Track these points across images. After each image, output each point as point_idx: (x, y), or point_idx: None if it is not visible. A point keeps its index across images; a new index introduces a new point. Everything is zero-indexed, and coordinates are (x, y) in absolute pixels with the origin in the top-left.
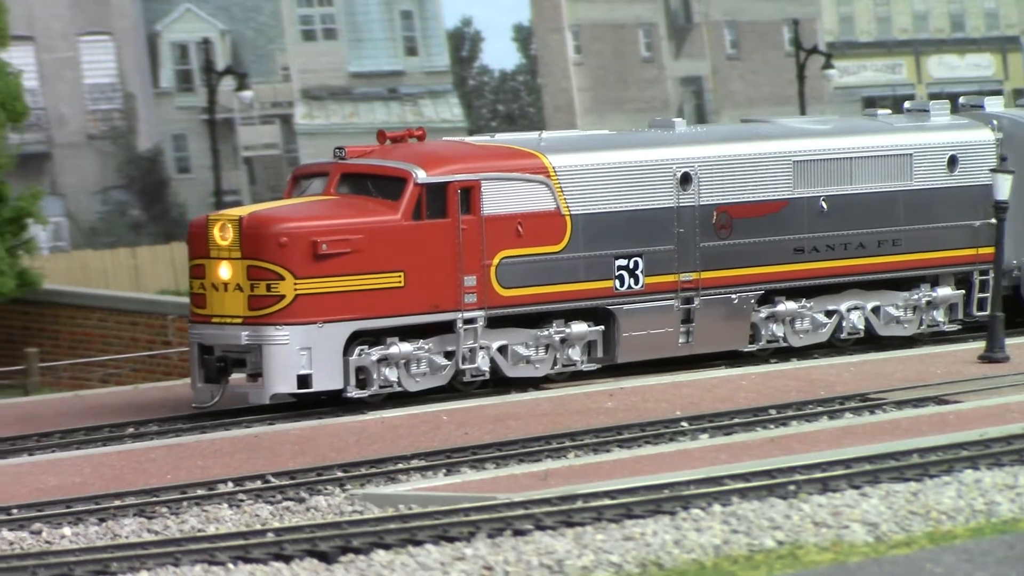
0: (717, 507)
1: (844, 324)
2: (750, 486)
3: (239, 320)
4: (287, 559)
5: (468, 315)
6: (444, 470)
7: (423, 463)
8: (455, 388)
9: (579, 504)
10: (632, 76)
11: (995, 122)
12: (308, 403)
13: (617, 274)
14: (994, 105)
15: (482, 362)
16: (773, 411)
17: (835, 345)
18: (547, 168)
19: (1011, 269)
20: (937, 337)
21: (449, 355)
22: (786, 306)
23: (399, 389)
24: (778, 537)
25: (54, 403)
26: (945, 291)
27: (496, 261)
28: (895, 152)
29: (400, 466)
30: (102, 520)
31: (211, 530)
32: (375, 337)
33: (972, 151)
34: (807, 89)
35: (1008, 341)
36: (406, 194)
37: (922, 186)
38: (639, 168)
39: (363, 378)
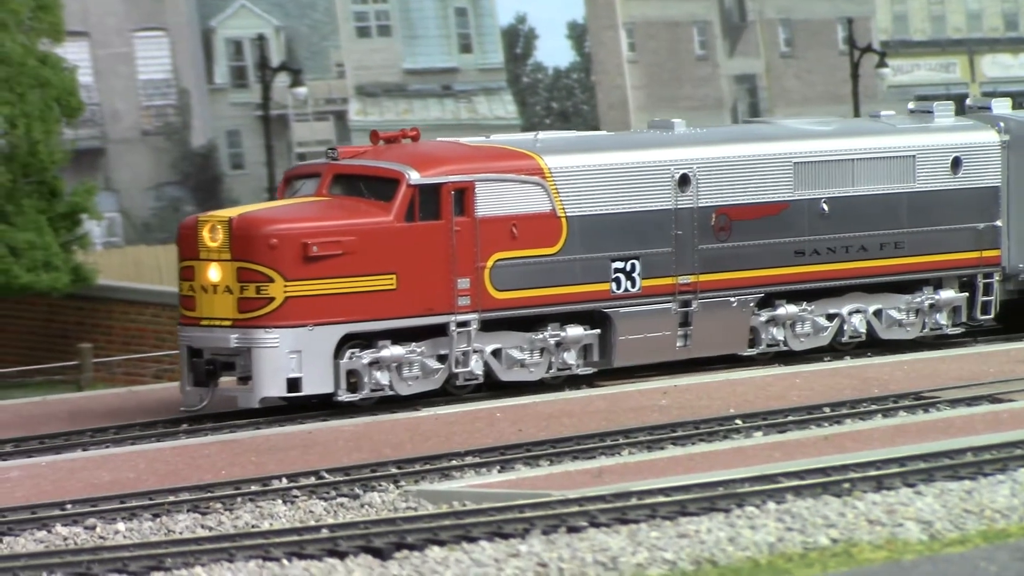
0: (771, 505)
1: (845, 327)
2: (804, 484)
3: (228, 323)
4: (341, 555)
5: (461, 318)
6: (498, 467)
7: (477, 460)
8: (448, 392)
9: (633, 501)
10: (686, 74)
11: (1002, 124)
12: (298, 407)
13: (613, 277)
14: (1002, 106)
15: (475, 366)
16: (827, 409)
17: (836, 349)
18: (542, 169)
19: (1018, 272)
20: (941, 341)
21: (442, 358)
22: (786, 309)
23: (391, 393)
24: (832, 535)
25: (107, 398)
26: (949, 294)
27: (490, 263)
28: (898, 154)
29: (454, 463)
30: (156, 516)
31: (265, 526)
32: (367, 340)
33: (976, 153)
34: (861, 88)
35: None
36: (399, 195)
37: (925, 188)
38: (636, 169)
39: (354, 381)
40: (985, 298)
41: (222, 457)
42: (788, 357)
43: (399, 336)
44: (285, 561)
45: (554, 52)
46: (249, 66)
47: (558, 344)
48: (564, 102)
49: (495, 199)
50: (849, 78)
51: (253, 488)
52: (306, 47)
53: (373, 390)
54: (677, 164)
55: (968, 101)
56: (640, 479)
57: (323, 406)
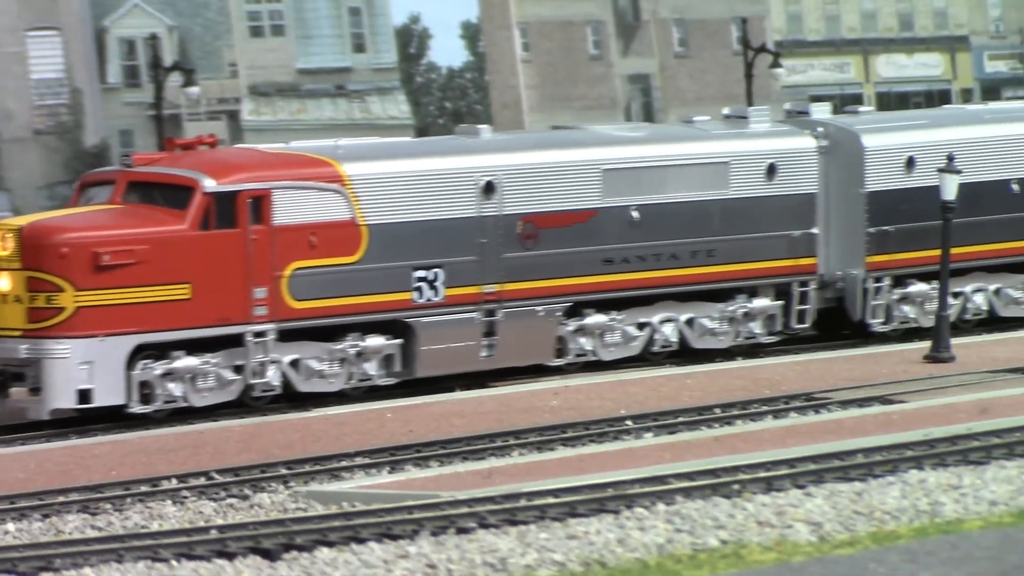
0: (661, 506)
1: (657, 337)
2: (694, 485)
3: (18, 333)
4: (230, 556)
5: (258, 328)
6: (388, 468)
7: (367, 460)
8: (244, 404)
9: (523, 502)
10: (580, 74)
11: (820, 129)
12: (91, 418)
13: (416, 286)
14: (821, 111)
15: (273, 376)
16: (718, 410)
17: (647, 359)
18: (342, 176)
19: (835, 280)
20: (756, 350)
21: (239, 369)
22: (595, 319)
23: (185, 404)
24: (722, 536)
25: None
26: (763, 302)
27: (288, 272)
28: (711, 160)
29: (344, 463)
30: (46, 516)
31: (155, 527)
32: (161, 350)
33: (793, 159)
34: (755, 88)
35: (954, 341)
36: (193, 203)
37: (739, 195)
38: (440, 176)
39: (148, 393)
40: (801, 306)
41: (112, 457)
42: (596, 367)
43: (196, 346)
44: (174, 562)
45: (448, 52)
46: (142, 65)
47: (359, 354)
48: (458, 102)
49: (293, 207)
50: (743, 78)
51: (143, 489)
52: (199, 46)
53: (166, 401)
54: (482, 171)
55: (786, 106)
56: (530, 480)
57: (119, 417)
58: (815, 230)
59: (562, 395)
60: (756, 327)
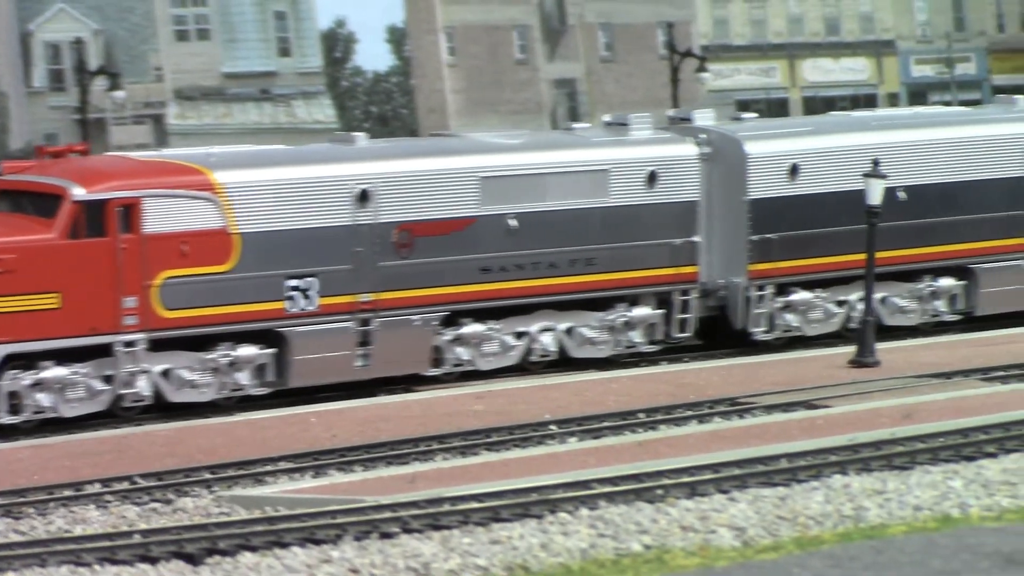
0: (584, 511)
1: (535, 346)
2: (618, 490)
3: None
4: (153, 560)
5: (128, 338)
6: (312, 472)
7: (291, 465)
8: (115, 414)
9: (446, 507)
10: (506, 78)
11: (702, 136)
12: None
13: (289, 295)
14: (704, 118)
15: (144, 387)
16: (643, 415)
17: (526, 369)
18: (213, 185)
19: (717, 288)
20: (636, 359)
21: (109, 379)
22: (472, 328)
23: (54, 415)
24: (645, 541)
25: None
26: (644, 311)
27: (158, 281)
28: (591, 168)
29: (268, 468)
30: None
31: (78, 531)
32: (31, 361)
33: (674, 166)
34: (681, 92)
35: (879, 346)
36: (62, 212)
37: (619, 203)
38: (314, 184)
39: (17, 403)
40: (683, 315)
41: (35, 462)
42: (474, 376)
43: (65, 356)
44: (97, 566)
45: (373, 56)
46: (67, 69)
47: (231, 364)
48: (383, 106)
49: (164, 215)
50: (669, 82)
51: (66, 493)
52: (125, 50)
53: (35, 412)
54: (356, 179)
55: (669, 112)
56: (454, 485)
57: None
58: (697, 238)
59: (486, 400)
60: (636, 336)
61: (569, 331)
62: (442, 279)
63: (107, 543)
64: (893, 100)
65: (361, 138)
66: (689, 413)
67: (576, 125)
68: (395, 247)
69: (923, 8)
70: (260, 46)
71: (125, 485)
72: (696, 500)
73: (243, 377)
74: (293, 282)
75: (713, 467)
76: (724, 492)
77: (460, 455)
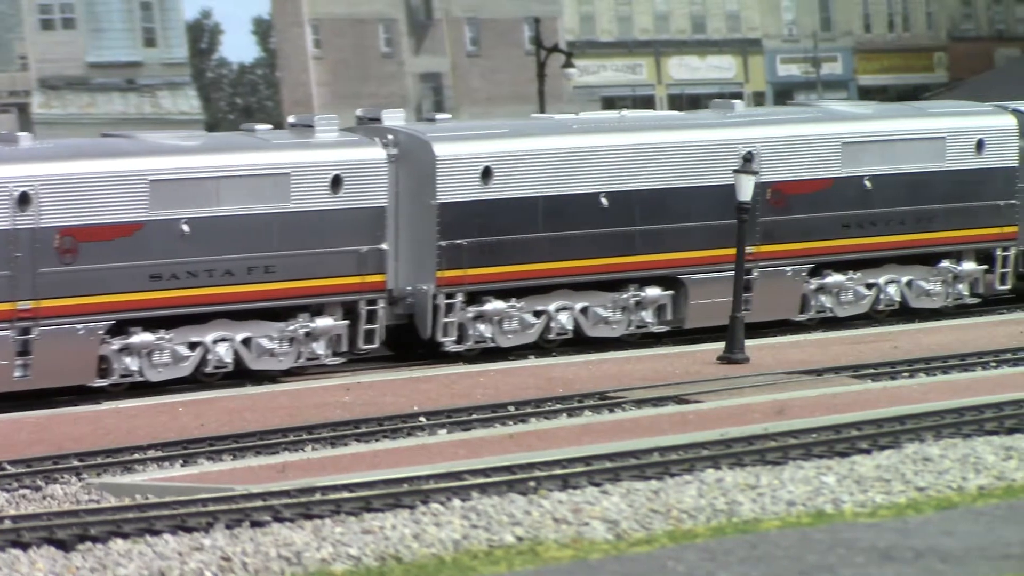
0: (457, 502)
1: (210, 357)
2: (490, 482)
3: None
4: (24, 546)
5: None
6: (181, 461)
7: (160, 453)
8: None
9: (318, 497)
10: (371, 71)
11: (390, 138)
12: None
13: None
14: (394, 119)
15: None
16: (512, 408)
17: (199, 380)
18: None
19: (405, 296)
20: (319, 370)
21: None
22: (141, 338)
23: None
24: (518, 533)
25: None
26: (327, 321)
27: None
28: (269, 171)
29: (137, 456)
30: None
31: None
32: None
33: (361, 170)
34: (547, 88)
35: (748, 343)
36: None
37: (301, 208)
38: None
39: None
40: (369, 325)
41: None
42: (144, 388)
43: None
44: None
45: (239, 47)
46: None
47: None
48: (248, 98)
49: None
50: (536, 78)
51: None
52: None
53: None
54: (16, 181)
55: (358, 112)
56: (324, 475)
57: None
58: (384, 245)
59: (354, 391)
60: (320, 348)
61: (246, 341)
62: (108, 287)
63: None
64: (759, 99)
65: (25, 138)
66: (559, 407)
67: (259, 127)
68: (57, 253)
69: (790, 7)
70: (126, 36)
71: None
72: (569, 493)
73: None
74: None
75: (585, 460)
76: (597, 485)
77: (330, 445)
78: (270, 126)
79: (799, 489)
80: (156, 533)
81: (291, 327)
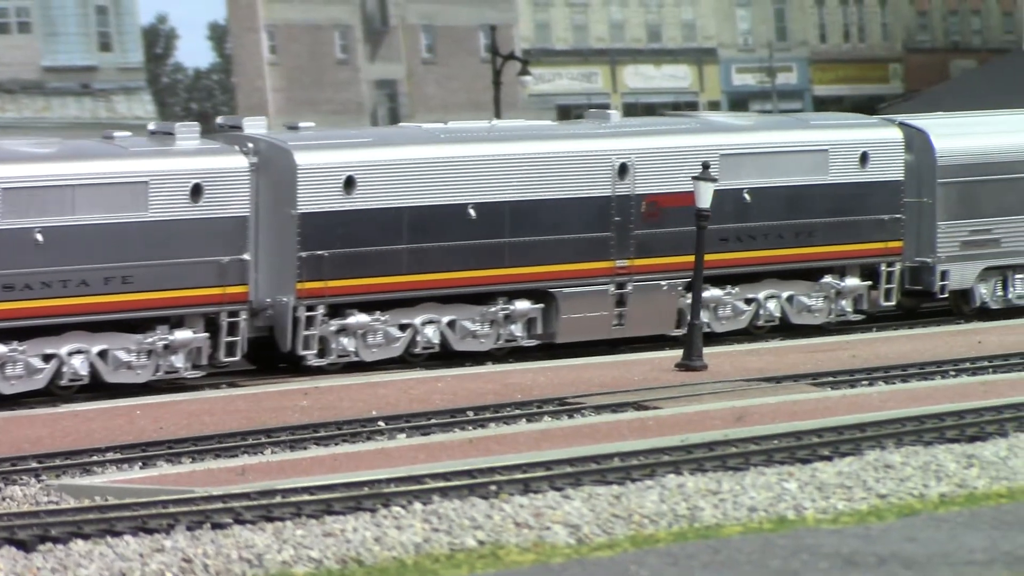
0: (418, 505)
1: (65, 369)
2: (451, 485)
3: None
4: None
5: None
6: (140, 463)
7: (119, 456)
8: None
9: (278, 499)
10: (327, 78)
11: (251, 145)
12: None
13: None
14: (255, 126)
15: None
16: (471, 412)
17: (53, 393)
18: None
19: (264, 308)
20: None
21: None
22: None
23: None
24: (479, 536)
25: None
26: (186, 334)
27: None
28: (127, 179)
29: (96, 458)
30: None
31: None
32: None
33: (221, 178)
34: (503, 95)
35: (706, 351)
36: None
37: (160, 217)
38: None
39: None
40: (231, 338)
41: None
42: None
43: None
44: None
45: (195, 53)
46: None
47: None
48: (204, 103)
49: None
50: (491, 85)
51: None
52: None
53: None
54: None
55: (219, 120)
56: (284, 478)
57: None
58: (246, 255)
59: (312, 396)
60: (179, 361)
61: (103, 355)
62: None
63: None
64: (715, 108)
65: None
66: (518, 412)
67: (118, 133)
68: None
69: (745, 17)
70: (81, 40)
71: None
72: (530, 497)
73: None
74: None
75: (546, 464)
76: (558, 489)
77: (289, 449)
78: (129, 133)
79: (761, 495)
80: (117, 534)
81: (149, 339)
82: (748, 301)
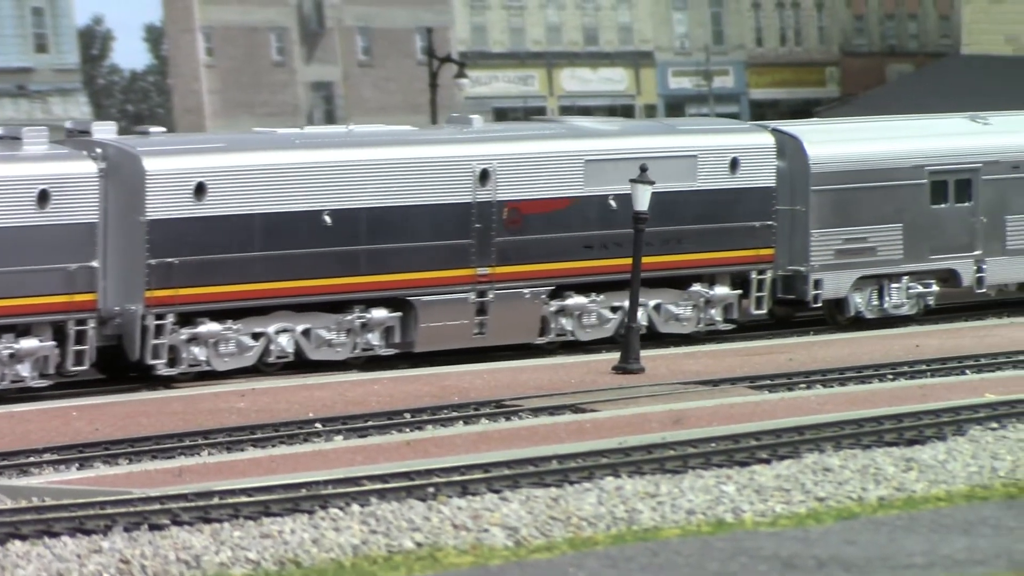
0: (356, 507)
1: None
2: (388, 487)
3: None
4: None
5: None
6: (77, 464)
7: (55, 457)
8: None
9: (216, 500)
10: (263, 80)
11: (99, 151)
12: None
13: None
14: (104, 131)
15: None
16: (408, 415)
17: None
18: None
19: (113, 316)
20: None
21: None
22: None
23: None
24: (417, 539)
25: None
26: (31, 343)
27: None
28: None
29: (32, 459)
30: None
31: None
32: None
33: (69, 185)
34: (440, 98)
35: (644, 353)
36: None
37: (5, 224)
38: None
39: None
40: (79, 347)
41: None
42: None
43: None
44: None
45: (131, 54)
46: None
47: None
48: (140, 105)
49: None
50: (428, 88)
51: None
52: None
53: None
54: None
55: (68, 124)
56: (221, 480)
57: None
58: (94, 263)
59: (249, 397)
60: (26, 370)
61: None
62: None
63: None
64: (651, 111)
65: None
66: (455, 414)
67: None
68: None
69: (682, 21)
70: (17, 42)
71: None
72: (468, 499)
73: None
74: None
75: (484, 467)
76: (496, 492)
77: (226, 451)
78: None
79: (699, 498)
80: (54, 535)
81: None
82: (614, 309)
